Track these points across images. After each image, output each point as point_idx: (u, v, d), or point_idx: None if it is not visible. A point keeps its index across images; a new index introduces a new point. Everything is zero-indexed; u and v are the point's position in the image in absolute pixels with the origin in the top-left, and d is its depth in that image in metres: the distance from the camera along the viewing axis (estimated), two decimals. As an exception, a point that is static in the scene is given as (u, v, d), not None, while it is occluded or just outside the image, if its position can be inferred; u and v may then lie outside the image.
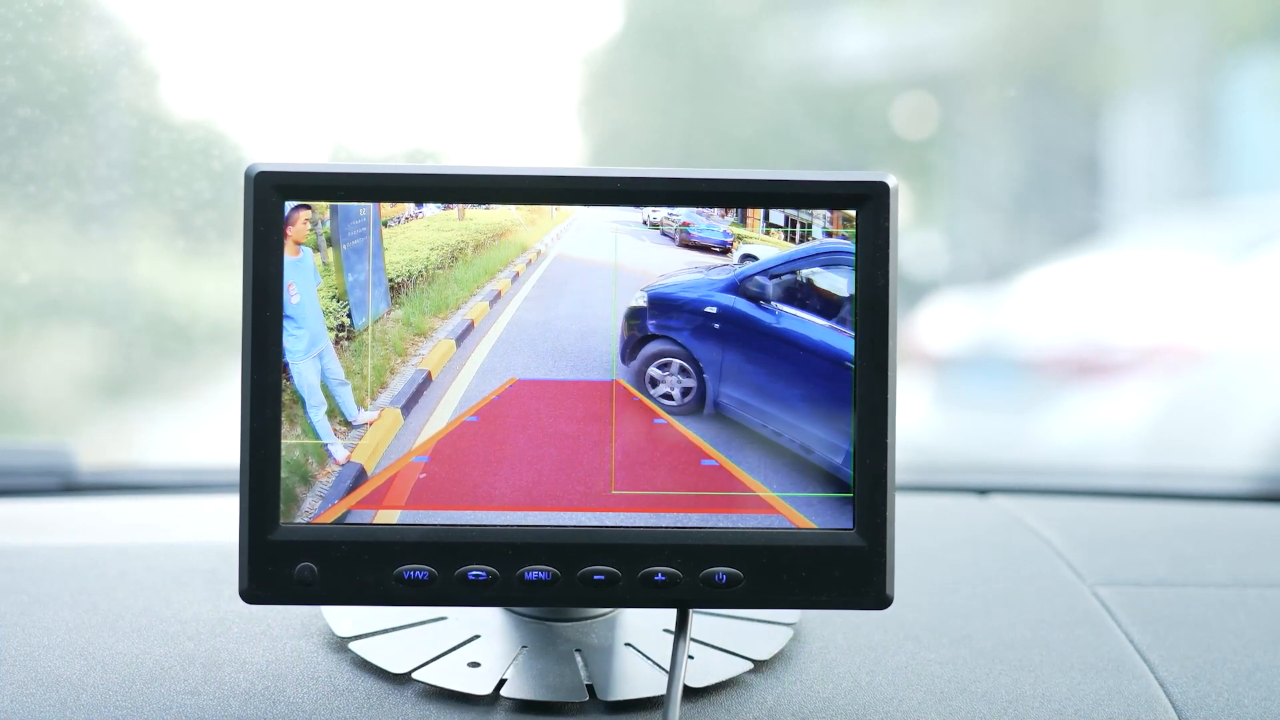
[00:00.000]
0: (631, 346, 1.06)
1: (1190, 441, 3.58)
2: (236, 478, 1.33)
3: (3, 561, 1.28)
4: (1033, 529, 1.42)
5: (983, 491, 1.60)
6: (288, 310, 1.05)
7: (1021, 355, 4.06)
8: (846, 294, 1.05)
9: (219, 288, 1.94)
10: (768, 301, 1.06)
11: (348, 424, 1.06)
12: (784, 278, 1.06)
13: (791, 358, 1.06)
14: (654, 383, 1.06)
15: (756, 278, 1.06)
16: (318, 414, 1.05)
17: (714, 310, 1.07)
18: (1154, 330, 3.76)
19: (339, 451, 1.05)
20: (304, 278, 1.05)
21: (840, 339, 1.05)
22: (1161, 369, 3.66)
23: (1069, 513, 1.51)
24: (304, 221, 1.05)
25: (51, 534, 1.38)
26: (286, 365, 1.05)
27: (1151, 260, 3.92)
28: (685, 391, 1.07)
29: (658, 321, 1.07)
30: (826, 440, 1.05)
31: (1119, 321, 3.83)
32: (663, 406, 1.06)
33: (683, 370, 1.06)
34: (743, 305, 1.07)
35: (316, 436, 1.05)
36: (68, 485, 1.59)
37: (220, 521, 1.38)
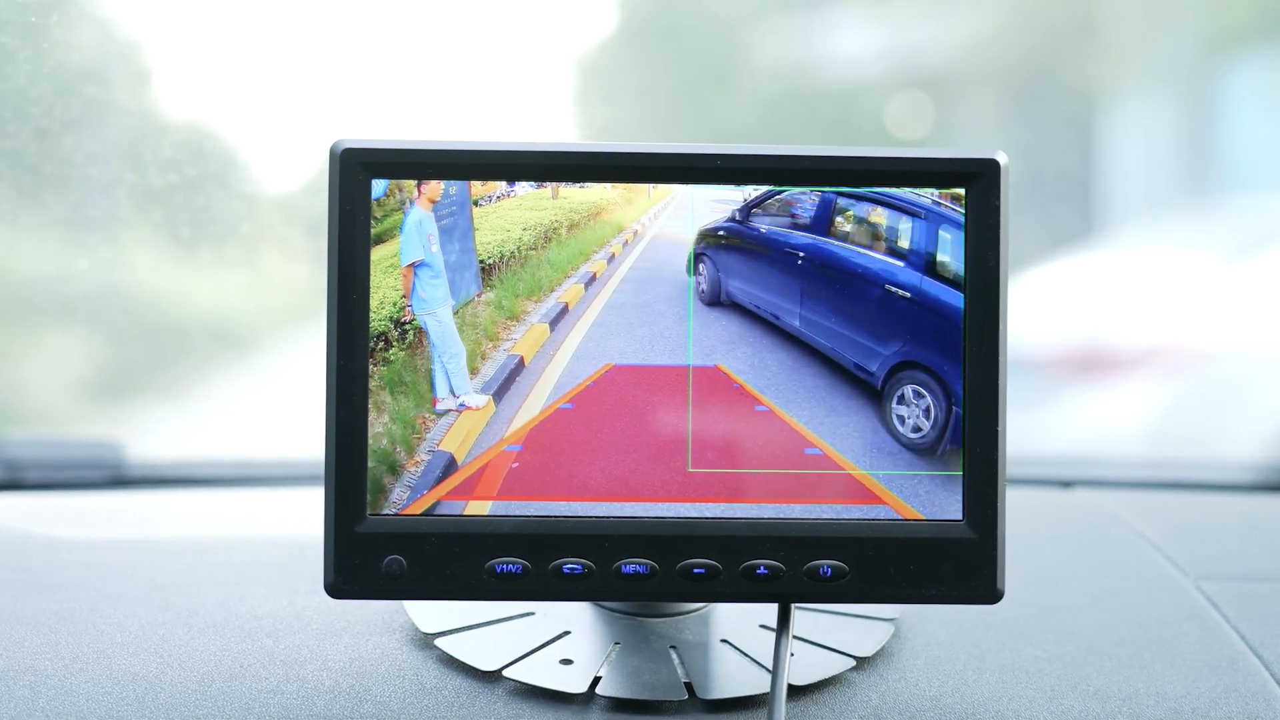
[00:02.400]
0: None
1: (1194, 440, 3.57)
2: (288, 471, 1.29)
3: (66, 556, 1.24)
4: (1126, 522, 1.38)
5: (1067, 484, 1.56)
6: (427, 258, 1.00)
7: (1023, 354, 4.04)
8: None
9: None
10: (747, 221, 1.03)
11: (452, 395, 1.01)
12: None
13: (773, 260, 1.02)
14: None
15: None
16: (455, 363, 1.01)
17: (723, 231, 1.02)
18: (1155, 329, 3.75)
19: (475, 400, 1.01)
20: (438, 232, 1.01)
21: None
22: (1163, 368, 3.65)
23: (1160, 506, 1.48)
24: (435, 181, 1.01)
25: (109, 528, 1.34)
26: (423, 324, 1.00)
27: (1150, 260, 3.91)
28: (707, 289, 1.03)
29: (701, 246, 1.02)
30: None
31: (1119, 321, 3.83)
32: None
33: (706, 273, 1.03)
34: (737, 225, 1.02)
35: (450, 387, 1.01)
36: (117, 479, 1.55)
37: (281, 515, 1.35)
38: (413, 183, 1.01)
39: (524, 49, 2.29)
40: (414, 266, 1.01)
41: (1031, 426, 3.83)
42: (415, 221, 1.01)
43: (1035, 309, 3.99)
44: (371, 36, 2.13)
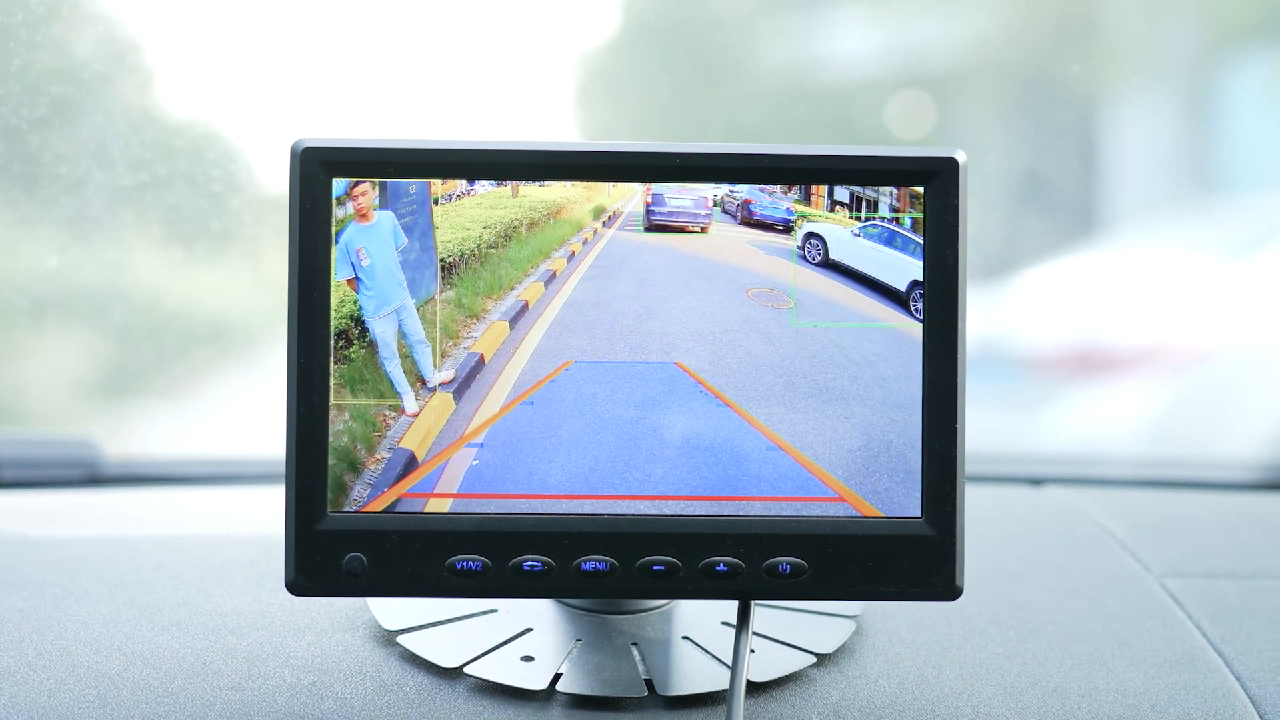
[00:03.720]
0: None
1: (1191, 439, 3.57)
2: (263, 469, 1.29)
3: (35, 554, 1.25)
4: (1093, 520, 1.38)
5: (1037, 482, 1.57)
6: (358, 272, 1.01)
7: (1022, 353, 4.04)
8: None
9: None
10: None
11: (422, 383, 1.02)
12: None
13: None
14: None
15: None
16: (392, 364, 1.02)
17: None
18: (1154, 328, 3.75)
19: (410, 404, 1.01)
20: (377, 242, 1.02)
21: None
22: (1162, 367, 3.65)
23: (1128, 503, 1.48)
24: (363, 194, 1.01)
25: (81, 526, 1.34)
26: (345, 335, 1.01)
27: (1150, 259, 3.91)
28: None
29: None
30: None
31: (1119, 320, 3.82)
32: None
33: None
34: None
35: (393, 387, 1.01)
36: (92, 477, 1.56)
37: (254, 513, 1.35)
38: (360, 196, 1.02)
39: (527, 51, 2.29)
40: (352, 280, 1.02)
41: (1028, 426, 3.84)
42: (346, 240, 1.02)
43: (1034, 308, 3.99)
44: (374, 39, 2.13)
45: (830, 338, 1.03)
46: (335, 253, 1.01)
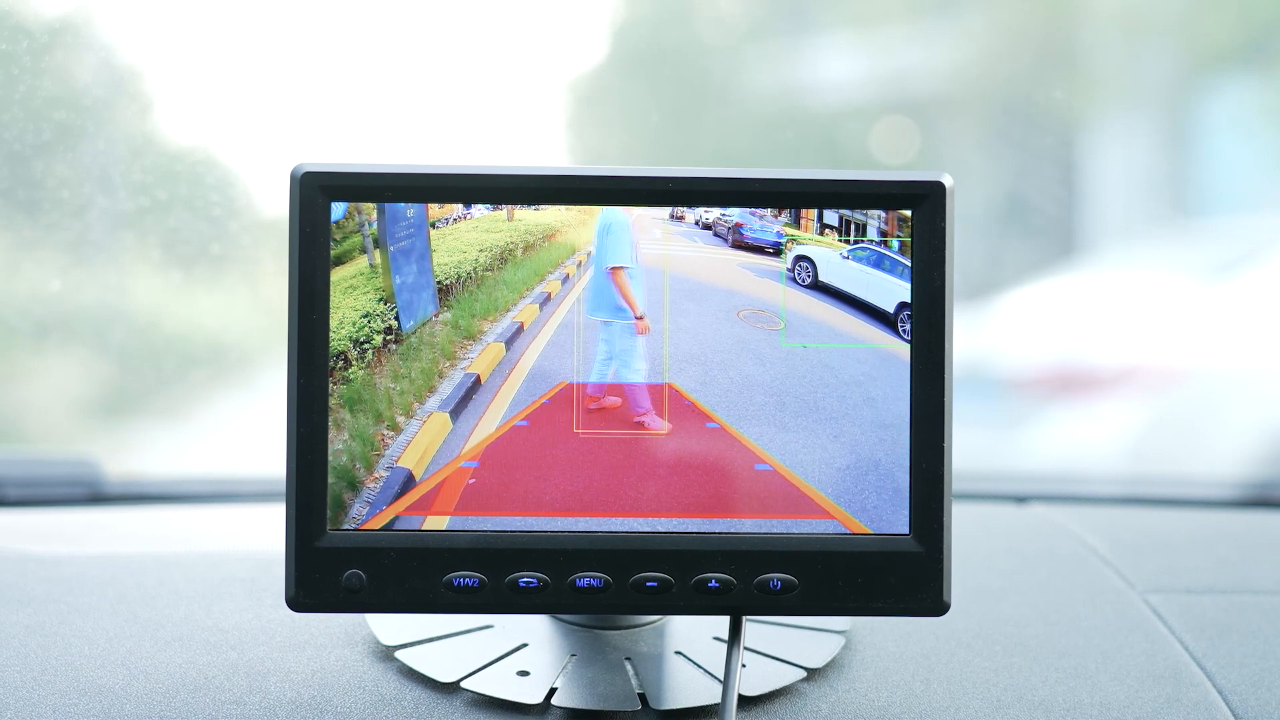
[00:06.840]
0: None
1: (1171, 458, 3.59)
2: (261, 488, 1.31)
3: (39, 571, 1.26)
4: (1076, 536, 1.40)
5: (1021, 499, 1.59)
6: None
7: (1004, 373, 4.06)
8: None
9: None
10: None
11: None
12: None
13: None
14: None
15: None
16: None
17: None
18: (1134, 349, 3.77)
19: None
20: None
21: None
22: (1142, 387, 3.67)
23: (1110, 520, 1.50)
24: None
25: (84, 544, 1.36)
26: None
27: (1130, 280, 3.93)
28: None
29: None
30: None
31: (1099, 341, 3.85)
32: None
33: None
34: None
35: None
36: (95, 495, 1.58)
37: (254, 530, 1.37)
38: None
39: (519, 77, 2.31)
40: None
41: (1011, 445, 3.85)
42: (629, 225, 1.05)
43: (1016, 329, 4.01)
44: (369, 66, 2.15)
45: (820, 358, 1.05)
46: (611, 236, 1.04)
